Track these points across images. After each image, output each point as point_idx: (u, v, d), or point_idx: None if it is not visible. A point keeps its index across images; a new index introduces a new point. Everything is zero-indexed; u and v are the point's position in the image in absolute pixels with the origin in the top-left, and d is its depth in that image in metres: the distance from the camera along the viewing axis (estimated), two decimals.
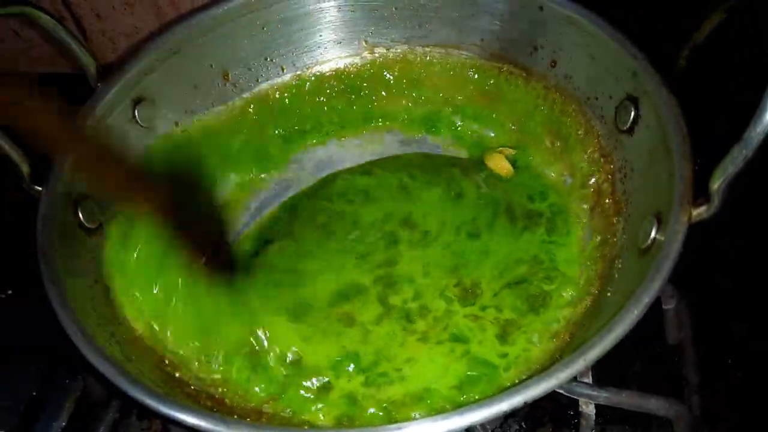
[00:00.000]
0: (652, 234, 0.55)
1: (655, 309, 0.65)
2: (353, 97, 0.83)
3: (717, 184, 0.50)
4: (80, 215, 0.63)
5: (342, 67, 0.82)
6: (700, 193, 0.53)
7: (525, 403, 0.43)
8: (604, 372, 0.64)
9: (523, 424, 0.66)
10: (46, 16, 0.63)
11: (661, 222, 0.54)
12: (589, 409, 0.62)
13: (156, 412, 0.45)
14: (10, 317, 0.76)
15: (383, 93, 0.83)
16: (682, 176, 0.54)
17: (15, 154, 0.59)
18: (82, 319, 0.52)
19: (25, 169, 0.60)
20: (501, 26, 0.75)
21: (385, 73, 0.82)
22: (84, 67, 0.68)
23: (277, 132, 0.81)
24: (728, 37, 0.60)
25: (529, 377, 0.45)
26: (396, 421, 0.43)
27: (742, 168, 0.49)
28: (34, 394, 0.69)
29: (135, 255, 0.64)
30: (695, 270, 0.68)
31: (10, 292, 0.78)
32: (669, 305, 0.67)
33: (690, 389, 0.66)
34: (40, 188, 0.60)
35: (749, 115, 0.47)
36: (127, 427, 0.68)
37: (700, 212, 0.52)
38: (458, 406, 0.43)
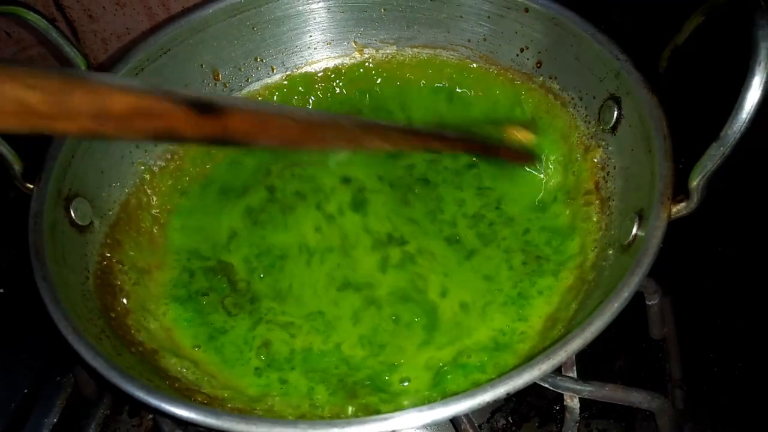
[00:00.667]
0: (634, 230, 0.56)
1: (638, 304, 0.67)
2: (342, 96, 0.84)
3: (696, 181, 0.52)
4: (71, 213, 0.63)
5: (332, 67, 0.83)
6: (681, 190, 0.54)
7: (508, 393, 0.44)
8: (589, 367, 0.65)
9: (509, 419, 0.66)
10: (37, 15, 0.63)
11: (642, 219, 0.56)
12: (573, 402, 0.63)
13: (147, 405, 0.45)
14: (2, 316, 0.76)
15: (372, 93, 0.84)
16: (663, 174, 0.55)
17: (7, 152, 0.60)
18: (74, 315, 0.52)
19: (17, 167, 0.61)
20: (488, 27, 0.76)
21: (374, 74, 0.83)
22: (75, 67, 0.69)
23: None
24: (708, 38, 0.62)
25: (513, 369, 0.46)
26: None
27: (722, 165, 0.50)
28: (26, 391, 0.69)
29: None
30: (678, 266, 0.70)
31: (1, 291, 0.78)
32: (652, 301, 0.68)
33: (673, 383, 0.67)
34: (31, 186, 0.61)
35: (727, 114, 0.49)
36: (117, 424, 0.68)
37: (679, 209, 0.53)
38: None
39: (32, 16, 0.63)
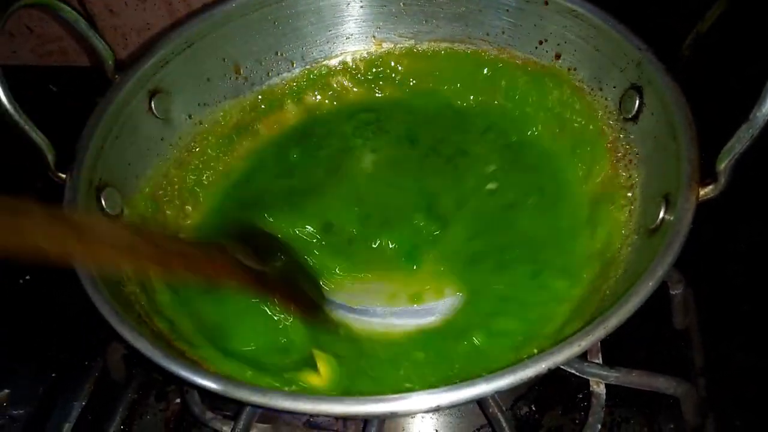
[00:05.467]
0: (661, 214, 0.56)
1: (662, 294, 0.67)
2: (359, 90, 0.85)
3: (724, 163, 0.52)
4: (102, 202, 0.63)
5: (351, 61, 0.84)
6: (706, 176, 0.54)
7: (549, 369, 0.45)
8: (612, 356, 0.66)
9: (532, 406, 0.67)
10: (68, 7, 0.64)
11: (669, 203, 0.56)
12: (600, 388, 0.63)
13: (192, 385, 0.46)
14: (29, 302, 0.77)
15: (390, 88, 0.85)
16: (689, 158, 0.55)
17: (41, 142, 0.60)
18: (113, 301, 0.53)
19: (50, 156, 0.61)
20: (507, 20, 0.77)
21: (392, 68, 0.84)
22: (102, 60, 0.70)
23: None
24: (732, 26, 0.62)
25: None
26: None
27: (749, 153, 0.51)
28: (54, 375, 0.70)
29: None
30: (701, 256, 0.70)
31: (28, 277, 0.79)
32: (676, 290, 0.68)
33: (696, 373, 0.67)
34: (63, 176, 0.61)
35: (753, 101, 0.49)
36: (145, 408, 0.69)
37: (707, 192, 0.54)
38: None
39: (62, 8, 0.64)
